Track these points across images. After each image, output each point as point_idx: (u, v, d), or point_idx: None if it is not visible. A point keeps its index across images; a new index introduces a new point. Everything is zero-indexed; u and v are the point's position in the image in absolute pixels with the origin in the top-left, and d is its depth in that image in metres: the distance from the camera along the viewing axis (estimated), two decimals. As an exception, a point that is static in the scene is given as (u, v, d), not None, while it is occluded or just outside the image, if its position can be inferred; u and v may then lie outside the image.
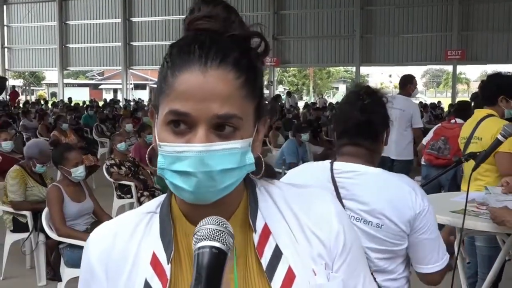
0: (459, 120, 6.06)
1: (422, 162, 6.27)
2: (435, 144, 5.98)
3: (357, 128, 2.09)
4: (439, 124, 6.38)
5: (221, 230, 0.88)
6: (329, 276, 1.04)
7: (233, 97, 0.95)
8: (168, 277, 1.01)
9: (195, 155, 0.93)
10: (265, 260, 1.01)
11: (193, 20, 1.02)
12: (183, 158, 0.94)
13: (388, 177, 2.07)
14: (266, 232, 1.03)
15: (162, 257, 1.02)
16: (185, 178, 0.95)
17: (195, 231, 0.89)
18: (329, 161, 2.14)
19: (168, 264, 1.01)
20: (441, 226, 2.54)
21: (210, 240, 0.87)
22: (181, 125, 0.95)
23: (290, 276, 1.00)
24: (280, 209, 1.07)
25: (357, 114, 2.08)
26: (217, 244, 0.86)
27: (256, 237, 1.02)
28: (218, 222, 0.89)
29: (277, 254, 1.01)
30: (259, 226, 1.04)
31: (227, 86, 0.94)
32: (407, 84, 7.08)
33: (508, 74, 4.09)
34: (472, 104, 6.69)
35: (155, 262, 1.02)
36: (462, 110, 6.41)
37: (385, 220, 2.00)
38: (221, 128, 0.95)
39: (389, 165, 7.48)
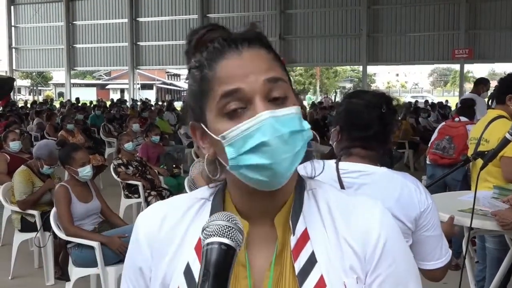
0: (463, 118, 6.03)
1: (427, 162, 6.24)
2: (439, 144, 5.95)
3: (375, 136, 2.10)
4: (443, 123, 6.35)
5: (230, 226, 0.87)
6: None
7: (272, 66, 1.00)
8: None
9: (264, 124, 0.94)
10: (298, 264, 1.01)
11: (199, 38, 1.04)
12: (252, 133, 0.94)
13: (394, 176, 2.08)
14: (305, 237, 1.03)
15: None
16: (260, 152, 0.94)
17: (204, 227, 0.89)
18: (334, 160, 2.14)
19: None
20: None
21: (219, 236, 0.86)
22: (238, 110, 0.96)
23: (320, 285, 0.99)
24: (322, 215, 1.06)
25: (376, 123, 2.09)
26: (226, 241, 0.86)
27: (293, 240, 1.02)
28: (228, 218, 0.88)
29: (312, 260, 1.01)
30: (299, 230, 1.03)
31: (263, 59, 1.00)
32: (480, 85, 7.67)
33: None
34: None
35: (199, 248, 1.02)
36: (466, 108, 6.38)
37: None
38: (275, 100, 0.97)
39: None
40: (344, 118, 2.18)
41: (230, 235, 0.86)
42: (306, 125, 0.99)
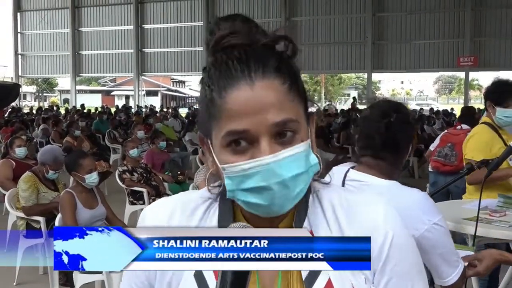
0: (465, 126, 6.04)
1: (430, 169, 6.25)
2: (441, 151, 5.96)
3: (382, 145, 2.10)
4: (446, 131, 6.38)
5: None
6: None
7: (284, 103, 0.95)
8: None
9: (265, 169, 0.93)
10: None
11: (219, 39, 1.00)
12: (252, 174, 0.94)
13: (397, 192, 2.04)
14: None
15: None
16: (259, 193, 0.95)
17: None
18: (350, 166, 2.15)
19: None
20: (452, 233, 2.52)
21: None
22: (242, 142, 0.95)
23: None
24: (326, 216, 1.06)
25: (383, 132, 2.09)
26: None
27: None
28: (243, 227, 0.88)
29: None
30: None
31: (276, 94, 0.95)
32: None
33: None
34: None
35: None
36: (467, 116, 6.41)
37: None
38: (281, 135, 0.95)
39: None
40: (359, 125, 2.23)
41: None
42: (313, 159, 0.99)
